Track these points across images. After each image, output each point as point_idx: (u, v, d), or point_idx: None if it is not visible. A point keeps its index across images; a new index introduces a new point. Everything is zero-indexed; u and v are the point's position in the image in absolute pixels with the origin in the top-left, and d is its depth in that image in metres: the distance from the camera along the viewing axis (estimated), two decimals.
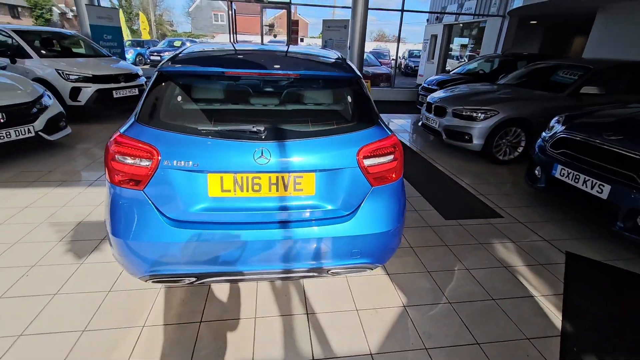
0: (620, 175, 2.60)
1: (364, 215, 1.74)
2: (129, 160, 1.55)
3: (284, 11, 9.56)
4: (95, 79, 5.87)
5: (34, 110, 4.05)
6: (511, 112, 4.54)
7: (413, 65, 19.17)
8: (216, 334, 1.81)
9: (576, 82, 4.73)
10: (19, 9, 28.96)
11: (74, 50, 7.15)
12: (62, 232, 2.65)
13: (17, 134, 3.84)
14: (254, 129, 1.59)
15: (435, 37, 14.73)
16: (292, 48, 2.26)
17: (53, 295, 2.01)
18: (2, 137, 3.70)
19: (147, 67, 14.40)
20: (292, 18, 9.76)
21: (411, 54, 20.93)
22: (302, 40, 20.65)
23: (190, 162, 1.54)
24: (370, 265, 1.85)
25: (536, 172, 3.40)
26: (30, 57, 5.86)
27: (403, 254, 2.60)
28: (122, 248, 1.62)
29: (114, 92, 6.07)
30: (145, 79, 6.80)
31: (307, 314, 1.98)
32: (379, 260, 1.89)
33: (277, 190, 1.65)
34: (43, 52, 6.18)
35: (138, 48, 18.00)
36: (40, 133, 4.06)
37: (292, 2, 9.34)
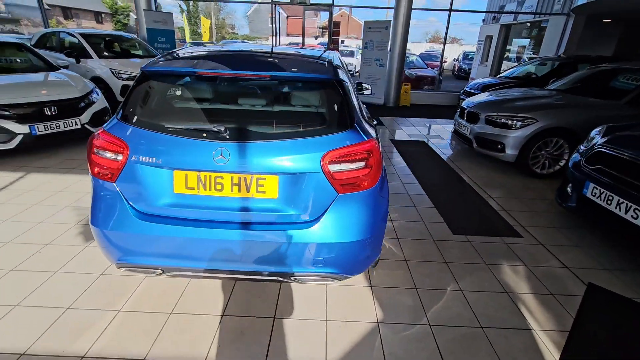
0: None
1: (329, 223, 1.67)
2: (104, 154, 1.66)
3: (339, 13, 9.60)
4: None
5: (82, 104, 4.53)
6: (552, 120, 4.07)
7: (467, 68, 18.38)
8: (181, 327, 1.86)
9: (637, 88, 4.11)
10: (103, 15, 32.72)
11: (132, 52, 7.90)
12: (80, 216, 2.92)
13: (66, 126, 4.32)
14: (215, 129, 1.60)
15: (490, 38, 13.80)
16: (278, 49, 2.25)
17: (54, 273, 2.22)
18: (53, 128, 4.19)
19: None
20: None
21: (466, 56, 20.02)
22: (342, 42, 20.72)
23: (154, 159, 1.60)
24: (336, 275, 1.77)
25: (568, 189, 3.01)
26: (91, 57, 6.58)
27: (395, 266, 2.45)
28: (97, 235, 1.74)
29: None
30: None
31: (274, 318, 1.95)
32: (348, 272, 1.81)
33: (240, 191, 1.65)
34: (103, 53, 6.93)
35: None
36: (86, 125, 4.53)
37: (334, 3, 9.34)
